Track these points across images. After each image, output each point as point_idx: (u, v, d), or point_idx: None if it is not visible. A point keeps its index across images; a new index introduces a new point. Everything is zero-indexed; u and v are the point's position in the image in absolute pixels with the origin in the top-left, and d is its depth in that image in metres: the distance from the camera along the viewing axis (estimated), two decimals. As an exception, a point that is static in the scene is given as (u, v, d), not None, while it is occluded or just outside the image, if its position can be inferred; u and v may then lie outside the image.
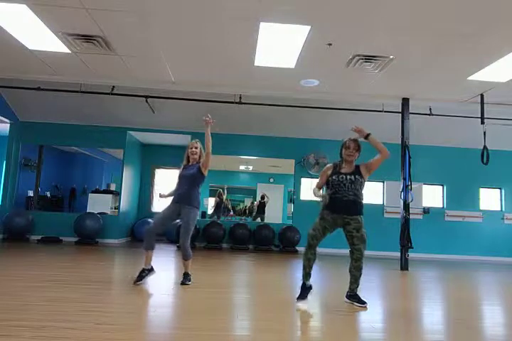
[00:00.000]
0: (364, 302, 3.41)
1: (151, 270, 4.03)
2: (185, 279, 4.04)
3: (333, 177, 3.49)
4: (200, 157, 4.14)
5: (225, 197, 9.81)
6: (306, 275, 3.49)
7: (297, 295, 3.44)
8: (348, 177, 3.46)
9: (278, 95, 6.81)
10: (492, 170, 7.89)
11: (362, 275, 3.55)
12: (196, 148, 4.14)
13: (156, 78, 6.34)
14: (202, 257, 6.61)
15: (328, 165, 3.65)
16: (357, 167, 3.56)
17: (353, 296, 3.49)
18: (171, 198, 4.14)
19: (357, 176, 3.48)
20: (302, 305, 3.36)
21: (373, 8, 3.93)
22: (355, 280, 3.50)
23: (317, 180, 3.72)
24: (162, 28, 4.58)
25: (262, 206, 9.74)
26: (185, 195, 4.00)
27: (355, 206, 3.46)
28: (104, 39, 4.90)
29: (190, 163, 4.16)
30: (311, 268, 3.48)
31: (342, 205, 3.43)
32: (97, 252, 6.71)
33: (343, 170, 3.50)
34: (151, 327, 2.67)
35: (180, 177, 4.13)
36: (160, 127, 8.55)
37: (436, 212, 9.03)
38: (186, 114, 8.10)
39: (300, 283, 3.52)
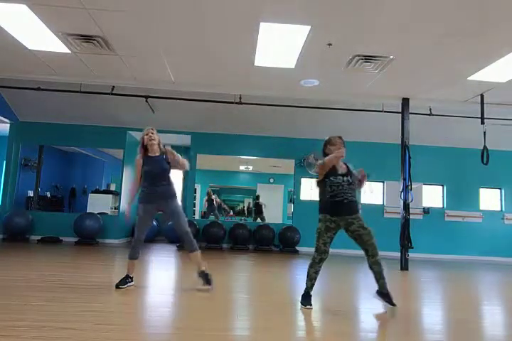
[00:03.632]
0: (394, 305, 3.34)
1: (132, 279, 3.83)
2: (208, 278, 3.79)
3: (332, 179, 3.43)
4: (159, 145, 3.82)
5: (214, 196, 9.79)
6: (312, 285, 3.46)
7: (302, 302, 3.39)
8: (345, 178, 3.43)
9: (278, 95, 6.81)
10: (492, 170, 7.87)
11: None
12: (153, 133, 3.80)
13: (156, 78, 6.34)
14: (202, 257, 6.60)
15: (322, 162, 3.49)
16: (347, 166, 3.53)
17: (385, 295, 3.41)
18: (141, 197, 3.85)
19: (352, 177, 3.47)
20: (310, 307, 3.34)
21: (373, 8, 3.93)
22: (380, 276, 3.40)
23: (315, 181, 3.66)
24: (162, 28, 4.58)
25: (258, 206, 9.74)
26: (164, 192, 3.78)
27: (354, 206, 3.45)
28: (104, 39, 4.90)
29: (151, 154, 3.82)
30: (316, 278, 3.46)
31: (344, 208, 3.39)
32: (97, 252, 6.71)
33: (339, 171, 3.46)
34: (151, 327, 2.67)
35: (152, 173, 3.75)
36: (160, 127, 8.47)
37: (436, 212, 9.03)
38: (186, 114, 8.11)
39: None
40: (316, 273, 3.44)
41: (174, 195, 3.86)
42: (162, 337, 2.48)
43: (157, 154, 3.84)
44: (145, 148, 3.86)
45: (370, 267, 3.45)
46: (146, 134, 3.82)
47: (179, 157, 3.83)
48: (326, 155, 3.53)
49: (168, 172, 3.86)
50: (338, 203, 3.39)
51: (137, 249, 3.82)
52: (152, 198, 3.80)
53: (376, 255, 3.39)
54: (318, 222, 3.46)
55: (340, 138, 3.53)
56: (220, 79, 6.31)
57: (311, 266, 3.45)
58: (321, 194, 3.53)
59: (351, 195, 3.43)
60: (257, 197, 9.75)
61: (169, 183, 3.85)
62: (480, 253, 8.80)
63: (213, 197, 9.77)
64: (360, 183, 3.56)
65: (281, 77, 6.00)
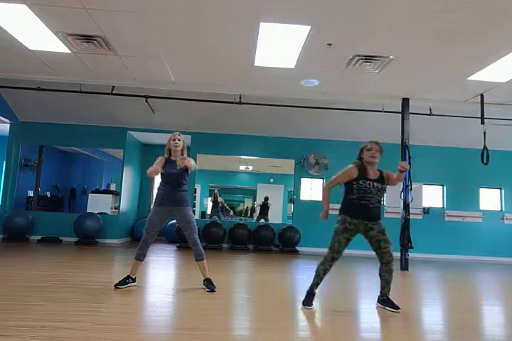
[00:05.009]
0: (397, 308, 3.37)
1: (134, 280, 3.88)
2: (212, 285, 3.85)
3: (360, 183, 3.36)
4: (182, 151, 3.89)
5: (220, 199, 9.85)
6: (317, 284, 3.46)
7: (304, 301, 3.41)
8: (375, 184, 3.37)
9: (278, 95, 6.81)
10: (492, 170, 7.88)
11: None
12: (180, 140, 3.88)
13: (156, 78, 6.34)
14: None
15: (352, 166, 3.45)
16: (381, 173, 3.48)
17: (386, 301, 3.44)
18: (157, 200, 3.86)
19: (383, 185, 3.41)
20: (309, 307, 3.35)
21: (373, 8, 3.93)
22: (386, 284, 3.44)
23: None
24: (162, 28, 4.58)
25: (265, 207, 9.75)
26: (178, 197, 3.82)
27: (378, 212, 3.41)
28: (104, 39, 4.90)
29: (173, 158, 3.87)
30: (323, 278, 3.46)
31: (368, 212, 3.36)
32: (97, 252, 6.71)
33: (370, 176, 3.40)
34: (151, 327, 2.67)
35: (168, 175, 3.83)
36: (160, 127, 8.56)
37: (436, 212, 9.03)
38: (186, 114, 8.11)
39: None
40: (325, 272, 3.42)
41: (186, 203, 3.86)
42: (162, 337, 2.48)
43: (178, 158, 3.88)
44: (169, 152, 3.93)
45: (380, 275, 3.44)
46: (173, 140, 3.89)
47: (188, 161, 3.82)
48: (361, 159, 3.49)
49: (184, 178, 3.87)
50: (363, 206, 3.35)
51: (143, 251, 3.83)
52: (165, 201, 3.82)
53: (390, 262, 3.38)
54: (337, 223, 3.42)
55: (376, 143, 3.46)
56: (220, 79, 6.31)
57: (321, 264, 3.44)
58: (346, 194, 3.47)
59: (377, 201, 3.39)
60: (266, 199, 9.79)
61: (183, 190, 3.88)
62: (480, 253, 8.80)
63: (219, 199, 9.82)
64: (395, 180, 3.52)
65: (281, 77, 6.00)
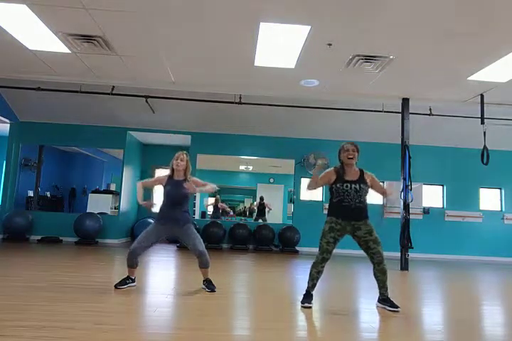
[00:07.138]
0: (397, 307, 3.36)
1: (134, 280, 3.87)
2: (212, 285, 3.87)
3: (338, 185, 3.41)
4: (185, 172, 3.88)
5: (220, 204, 9.92)
6: (314, 285, 3.46)
7: (302, 300, 3.40)
8: (353, 186, 3.39)
9: (278, 95, 6.81)
10: (492, 170, 7.87)
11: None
12: (182, 160, 3.86)
13: (156, 78, 6.34)
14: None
15: (330, 170, 3.53)
16: (361, 174, 3.49)
17: (385, 300, 3.44)
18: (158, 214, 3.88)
19: (362, 185, 3.41)
20: (309, 305, 3.35)
21: (373, 8, 3.93)
22: (383, 285, 3.45)
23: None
24: (162, 28, 4.57)
25: (261, 208, 9.75)
26: (179, 216, 3.81)
27: (362, 212, 3.43)
28: (104, 39, 4.90)
29: (176, 177, 3.88)
30: (318, 279, 3.46)
31: (350, 213, 3.38)
32: (97, 252, 6.71)
33: (347, 178, 3.43)
34: (151, 327, 2.67)
35: (170, 195, 3.84)
36: (160, 127, 8.56)
37: (436, 212, 9.03)
38: (186, 114, 8.11)
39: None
40: (318, 273, 3.43)
41: (188, 222, 3.86)
42: (162, 337, 2.48)
43: (181, 178, 3.89)
44: (172, 170, 3.94)
45: (375, 275, 3.45)
46: (176, 159, 3.89)
47: (204, 185, 3.90)
48: (341, 162, 3.54)
49: (186, 198, 3.90)
50: (345, 207, 3.39)
51: (132, 259, 3.75)
52: (167, 220, 3.82)
53: (381, 263, 3.38)
54: (324, 224, 3.46)
55: (352, 143, 3.52)
56: (220, 79, 6.31)
57: (313, 266, 3.45)
58: (330, 198, 3.54)
59: (359, 202, 3.40)
60: (262, 199, 9.78)
61: (185, 209, 3.89)
62: (480, 253, 8.80)
63: (220, 204, 9.88)
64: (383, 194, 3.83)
65: (281, 77, 6.00)
